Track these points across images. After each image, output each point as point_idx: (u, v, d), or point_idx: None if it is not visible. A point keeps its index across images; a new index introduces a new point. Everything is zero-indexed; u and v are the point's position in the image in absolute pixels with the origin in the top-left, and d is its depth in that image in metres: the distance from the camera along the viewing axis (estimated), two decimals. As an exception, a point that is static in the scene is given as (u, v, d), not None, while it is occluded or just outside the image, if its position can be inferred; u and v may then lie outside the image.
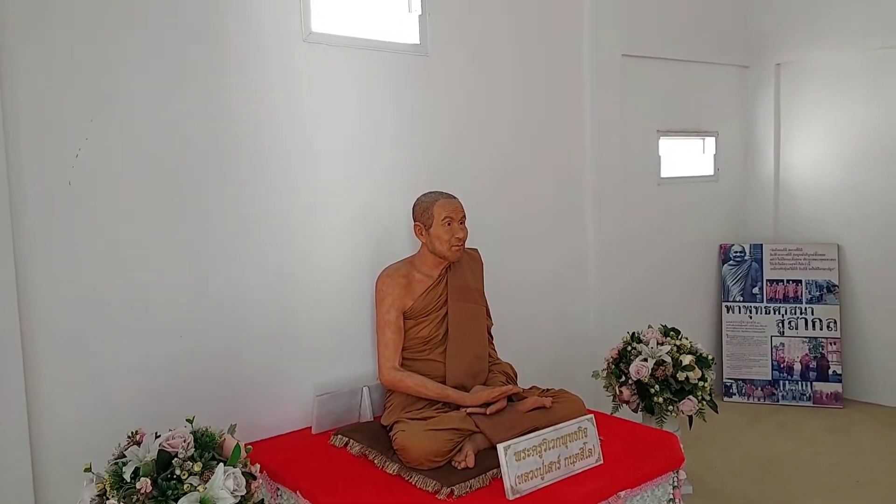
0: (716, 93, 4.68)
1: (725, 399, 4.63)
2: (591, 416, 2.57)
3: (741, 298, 4.68)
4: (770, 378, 4.57)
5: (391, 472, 2.39)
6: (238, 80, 2.64)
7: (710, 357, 3.27)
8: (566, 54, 3.73)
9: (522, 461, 2.31)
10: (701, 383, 3.16)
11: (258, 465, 2.08)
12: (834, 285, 4.51)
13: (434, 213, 2.68)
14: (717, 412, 3.29)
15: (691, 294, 4.62)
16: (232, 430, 2.09)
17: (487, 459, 2.39)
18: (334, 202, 2.90)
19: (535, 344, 3.64)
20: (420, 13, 3.14)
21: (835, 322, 4.49)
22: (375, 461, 2.47)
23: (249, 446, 2.09)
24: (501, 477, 2.25)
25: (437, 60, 3.19)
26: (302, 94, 2.79)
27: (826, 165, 4.59)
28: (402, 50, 3.08)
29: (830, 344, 4.49)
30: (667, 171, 4.41)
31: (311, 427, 2.77)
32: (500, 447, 2.25)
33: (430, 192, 2.78)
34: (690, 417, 3.21)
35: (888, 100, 4.28)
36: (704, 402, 3.20)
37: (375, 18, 3.04)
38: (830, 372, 4.47)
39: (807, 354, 4.52)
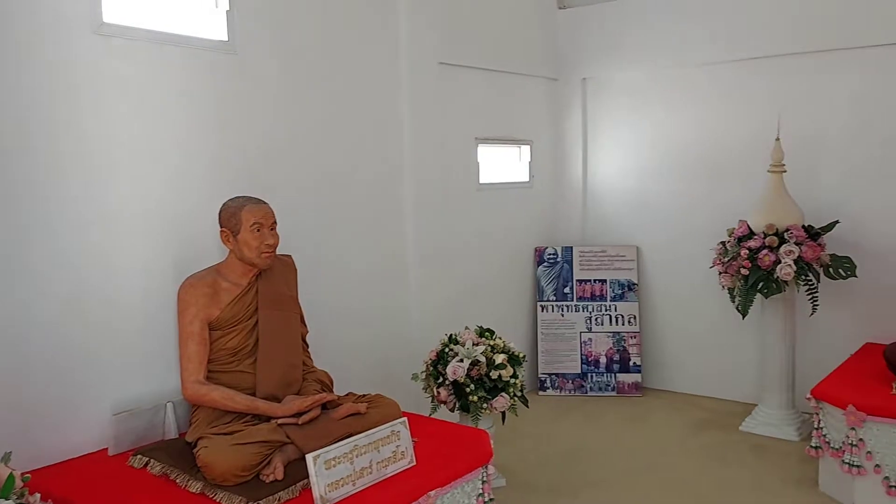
0: (529, 103, 4.93)
1: (540, 393, 4.88)
2: (405, 419, 2.60)
3: (554, 298, 4.95)
4: (580, 371, 4.88)
5: (195, 490, 2.29)
6: (20, 75, 2.40)
7: (521, 355, 3.43)
8: (384, 59, 3.77)
9: (333, 469, 2.29)
10: (513, 380, 3.31)
11: (38, 495, 1.90)
12: (634, 284, 4.89)
13: (242, 218, 2.60)
14: (527, 406, 3.45)
15: (509, 294, 4.82)
16: (6, 458, 1.90)
17: (299, 470, 2.34)
18: (133, 206, 2.72)
19: (357, 349, 3.64)
20: (228, 9, 3.02)
21: (635, 317, 4.87)
22: (178, 480, 2.34)
23: (28, 475, 1.91)
24: (311, 487, 2.22)
25: (246, 59, 3.09)
26: (94, 91, 2.59)
27: (627, 174, 4.97)
28: (208, 46, 2.95)
29: (631, 338, 4.87)
30: (485, 177, 4.57)
31: (108, 448, 2.58)
32: (309, 457, 2.22)
33: (238, 197, 2.69)
34: (503, 413, 3.35)
35: (677, 115, 4.71)
36: (516, 398, 3.35)
37: (178, 12, 2.89)
38: (631, 363, 4.85)
39: (611, 348, 4.87)
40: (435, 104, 4.04)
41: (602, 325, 4.91)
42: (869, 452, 3.11)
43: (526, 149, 4.95)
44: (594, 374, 4.88)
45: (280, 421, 2.49)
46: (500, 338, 3.45)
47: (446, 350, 3.37)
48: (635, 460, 3.79)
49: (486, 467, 2.73)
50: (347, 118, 3.58)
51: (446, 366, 3.29)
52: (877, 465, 3.09)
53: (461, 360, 3.27)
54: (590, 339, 4.90)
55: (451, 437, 2.81)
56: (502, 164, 4.82)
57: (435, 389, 3.34)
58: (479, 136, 4.47)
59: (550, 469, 3.70)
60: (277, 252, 2.73)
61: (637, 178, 4.93)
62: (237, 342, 2.61)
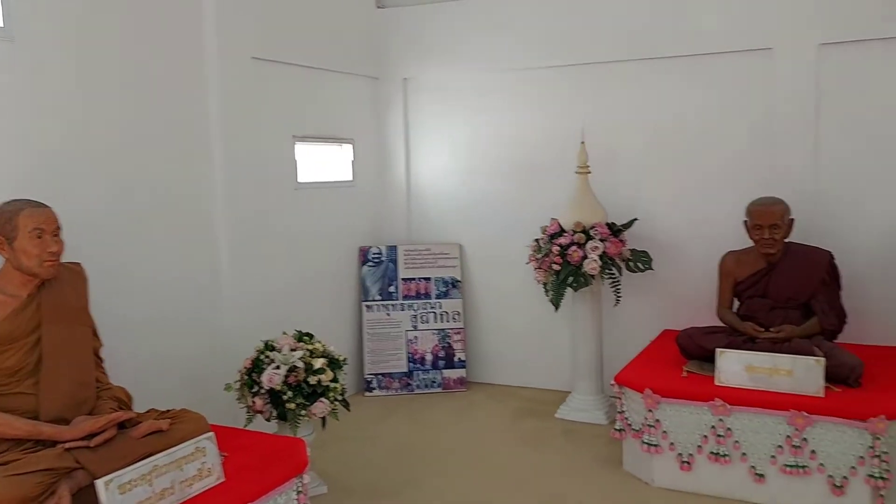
0: (350, 101, 4.88)
1: (367, 394, 4.86)
2: (212, 434, 2.48)
3: (379, 297, 4.95)
4: (406, 370, 4.92)
5: (-37, 531, 2.03)
6: None
7: (341, 358, 3.38)
8: (190, 53, 3.57)
9: (129, 493, 2.13)
10: (333, 385, 3.26)
11: None
12: (457, 281, 5.00)
13: (19, 223, 2.34)
14: (349, 410, 3.42)
15: (334, 296, 4.76)
16: None
17: (91, 498, 2.15)
18: None
19: (162, 362, 3.43)
20: (2, -9, 2.73)
21: (459, 314, 4.98)
22: (-57, 522, 2.07)
23: None
24: (102, 516, 2.05)
25: (25, 48, 2.80)
26: None
27: (449, 173, 5.07)
28: (-22, 33, 2.64)
29: (456, 334, 4.97)
30: (304, 176, 4.47)
31: None
32: (99, 482, 2.05)
33: (14, 201, 2.42)
34: (323, 419, 3.29)
35: (494, 117, 4.86)
36: (337, 403, 3.30)
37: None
38: (456, 359, 4.96)
39: (437, 345, 4.95)
40: (248, 101, 3.89)
41: (427, 322, 4.97)
42: (665, 432, 3.38)
43: (348, 147, 4.90)
44: (420, 372, 4.94)
45: (68, 445, 2.27)
46: (319, 342, 3.38)
47: (262, 357, 3.25)
48: (457, 454, 3.87)
49: (302, 476, 2.66)
50: (148, 115, 3.35)
51: (262, 374, 3.18)
52: (671, 444, 3.37)
53: (277, 367, 3.17)
54: (416, 338, 4.95)
55: (265, 449, 2.72)
56: (324, 162, 4.74)
57: (250, 399, 3.22)
58: (297, 135, 4.36)
59: (373, 471, 3.69)
60: (65, 260, 2.50)
61: (459, 178, 5.03)
62: (16, 361, 2.35)
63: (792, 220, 3.62)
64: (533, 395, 4.80)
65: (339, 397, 3.31)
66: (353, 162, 4.93)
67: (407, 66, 5.03)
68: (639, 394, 3.45)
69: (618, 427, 3.61)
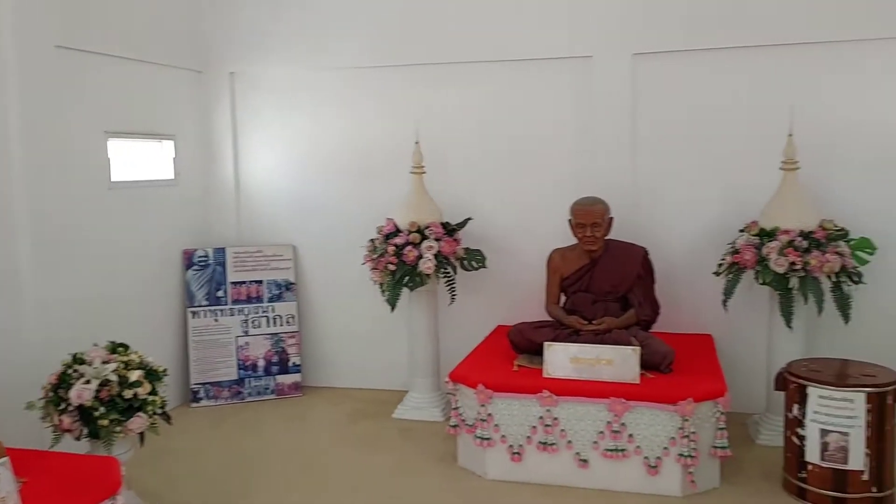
0: (171, 95, 4.59)
1: (193, 405, 4.59)
2: (6, 459, 2.21)
3: (206, 302, 4.69)
4: (237, 377, 4.70)
5: None
6: None
7: (161, 369, 3.16)
8: (-21, 34, 3.18)
9: None
10: (151, 398, 3.03)
11: None
12: (291, 283, 4.86)
13: None
14: (170, 424, 3.19)
15: (154, 302, 4.45)
16: None
17: None
18: None
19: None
20: None
21: (293, 317, 4.84)
22: None
23: None
24: None
25: None
26: None
27: (280, 172, 4.91)
28: None
29: (290, 338, 4.82)
30: (119, 174, 4.14)
31: None
32: None
33: None
34: (141, 434, 3.05)
35: (328, 115, 4.77)
36: (156, 417, 3.07)
37: None
38: (291, 364, 4.81)
39: (269, 350, 4.78)
40: (52, 93, 3.54)
41: (259, 327, 4.78)
42: (496, 425, 3.46)
43: (169, 144, 4.60)
44: (252, 379, 4.74)
45: None
46: (135, 352, 3.13)
47: (70, 371, 2.96)
48: (292, 462, 3.75)
49: (115, 498, 2.44)
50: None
51: (69, 389, 2.89)
52: (503, 436, 3.46)
53: (88, 382, 2.90)
54: (247, 343, 4.75)
55: (73, 471, 2.48)
56: (141, 160, 4.41)
57: (56, 417, 2.92)
58: (110, 130, 4.03)
59: (202, 485, 3.48)
60: None
61: (292, 177, 4.89)
62: None
63: (611, 218, 3.85)
64: (371, 397, 4.75)
65: (159, 410, 3.08)
66: (174, 160, 4.64)
67: (234, 59, 4.82)
68: (472, 389, 3.51)
69: (452, 423, 3.65)
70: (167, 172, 4.60)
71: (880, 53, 3.91)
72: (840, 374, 3.15)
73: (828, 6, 3.93)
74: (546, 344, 3.53)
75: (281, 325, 4.82)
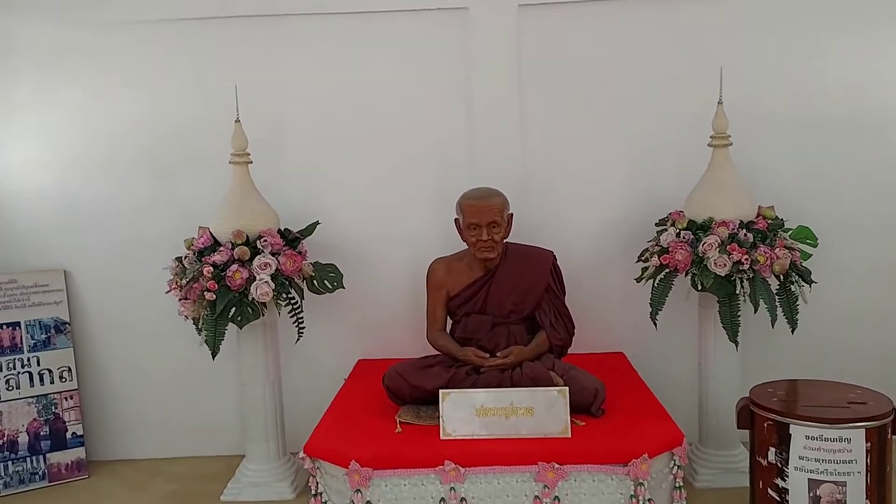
0: None
1: (-88, 518, 3.10)
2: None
3: (-70, 360, 3.21)
4: (-15, 465, 3.26)
5: None
6: None
7: None
8: None
9: None
10: None
11: None
12: (65, 323, 3.48)
13: None
14: None
15: None
16: None
17: None
18: None
19: None
20: None
21: (69, 370, 3.47)
22: None
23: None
24: None
25: None
26: None
27: (46, 169, 3.50)
28: None
29: (66, 399, 3.45)
30: None
31: None
32: None
33: None
34: None
35: (110, 90, 3.43)
36: None
37: None
38: (70, 435, 3.44)
39: (36, 420, 3.38)
40: None
41: (19, 388, 3.37)
42: (380, 517, 2.41)
43: None
44: (11, 463, 3.32)
45: None
46: None
47: None
48: None
49: None
50: None
51: None
52: (389, 530, 2.41)
53: None
54: (1, 413, 3.32)
55: None
56: None
57: None
58: None
59: None
60: None
61: (62, 176, 3.50)
62: None
63: (511, 215, 2.92)
64: (190, 470, 3.50)
65: None
66: None
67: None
68: (340, 469, 2.43)
69: (314, 517, 2.55)
70: None
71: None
72: (827, 405, 2.44)
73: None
74: (442, 393, 2.54)
75: (52, 383, 3.43)
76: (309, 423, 2.79)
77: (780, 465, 2.40)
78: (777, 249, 2.85)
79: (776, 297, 2.88)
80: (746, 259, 2.80)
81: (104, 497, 3.27)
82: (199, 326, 3.00)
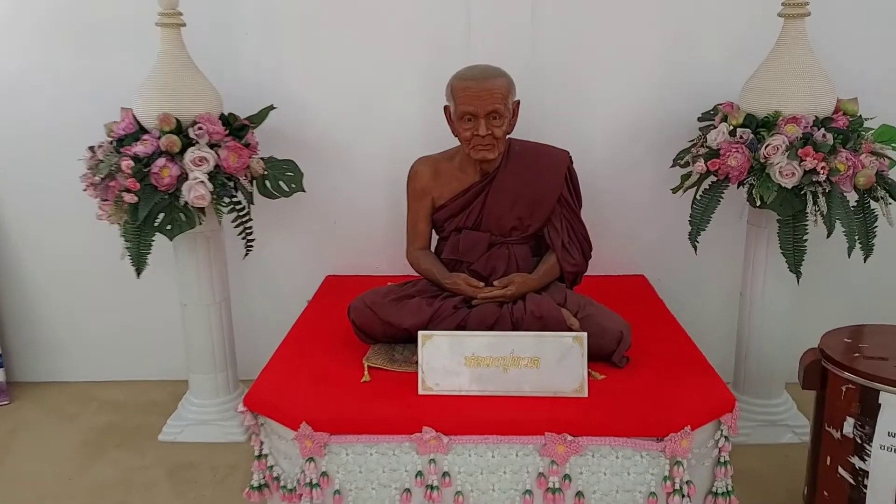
0: None
1: None
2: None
3: None
4: None
5: None
6: None
7: None
8: None
9: None
10: None
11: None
12: (-31, 224, 2.85)
13: None
14: None
15: None
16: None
17: None
18: None
19: None
20: None
21: (-22, 281, 2.87)
22: None
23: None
24: None
25: None
26: None
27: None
28: None
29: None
30: None
31: None
32: None
33: None
34: None
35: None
36: None
37: None
38: (-17, 358, 2.90)
39: (-62, 340, 2.82)
40: None
41: (-86, 302, 2.79)
42: (338, 493, 1.87)
43: None
44: None
45: None
46: None
47: None
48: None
49: None
50: None
51: None
52: (351, 508, 1.89)
53: None
54: None
55: None
56: None
57: None
58: None
59: None
60: None
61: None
62: None
63: (517, 102, 2.22)
64: (128, 397, 3.00)
65: None
66: None
67: None
68: (290, 432, 1.88)
69: (255, 484, 2.02)
70: None
71: None
72: (925, 365, 1.86)
73: None
74: (422, 335, 1.95)
75: (-44, 296, 2.84)
76: (267, 350, 2.24)
77: (859, 441, 1.85)
78: (863, 156, 2.20)
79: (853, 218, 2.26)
80: (823, 168, 2.15)
81: (24, 428, 2.78)
82: (121, 235, 2.38)
